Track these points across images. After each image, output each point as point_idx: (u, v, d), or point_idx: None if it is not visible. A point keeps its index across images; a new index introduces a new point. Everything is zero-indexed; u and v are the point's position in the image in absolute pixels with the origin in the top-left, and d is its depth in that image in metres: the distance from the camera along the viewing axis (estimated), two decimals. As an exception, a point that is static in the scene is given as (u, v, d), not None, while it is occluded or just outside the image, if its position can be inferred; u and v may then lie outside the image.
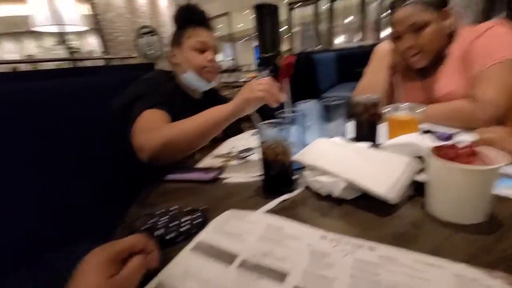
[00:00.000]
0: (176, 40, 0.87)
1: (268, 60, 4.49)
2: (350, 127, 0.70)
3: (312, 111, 0.66)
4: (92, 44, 4.94)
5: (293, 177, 0.53)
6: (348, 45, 5.13)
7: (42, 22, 3.63)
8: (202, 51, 0.85)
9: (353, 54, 3.48)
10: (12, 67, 3.57)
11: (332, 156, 0.52)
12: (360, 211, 0.43)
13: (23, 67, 3.82)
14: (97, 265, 0.29)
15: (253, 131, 0.96)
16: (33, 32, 4.21)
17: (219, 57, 0.92)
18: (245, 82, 4.31)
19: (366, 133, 0.68)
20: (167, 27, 5.34)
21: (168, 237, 0.39)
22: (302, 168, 0.53)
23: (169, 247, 0.39)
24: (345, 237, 0.37)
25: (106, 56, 3.79)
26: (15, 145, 0.71)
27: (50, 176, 0.78)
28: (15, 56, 5.10)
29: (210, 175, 0.60)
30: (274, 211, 0.45)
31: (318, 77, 2.83)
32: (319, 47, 5.62)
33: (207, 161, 0.73)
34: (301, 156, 0.53)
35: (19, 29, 5.14)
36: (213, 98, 0.99)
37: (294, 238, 0.38)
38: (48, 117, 0.80)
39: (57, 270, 0.46)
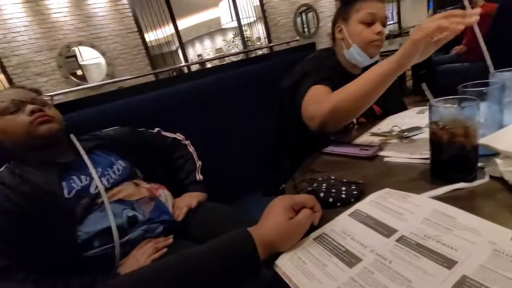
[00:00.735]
0: (343, 14, 0.86)
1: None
2: None
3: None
4: (258, 31, 5.73)
5: (476, 164, 0.45)
6: None
7: (227, 20, 4.61)
8: (369, 23, 0.81)
9: None
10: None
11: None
12: None
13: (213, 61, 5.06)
14: (280, 208, 0.40)
15: (419, 108, 0.84)
16: (221, 29, 5.42)
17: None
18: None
19: None
20: (323, 1, 5.26)
21: (330, 200, 0.46)
22: (492, 154, 0.44)
23: (328, 209, 0.45)
24: (555, 246, 0.29)
25: (273, 44, 4.29)
26: (216, 120, 1.03)
27: (238, 142, 1.07)
28: (211, 51, 6.86)
29: (369, 152, 0.60)
30: (441, 198, 0.41)
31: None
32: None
33: (364, 138, 0.73)
34: (493, 139, 0.43)
35: (212, 29, 6.85)
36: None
37: (470, 231, 0.34)
38: (231, 100, 1.09)
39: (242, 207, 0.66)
